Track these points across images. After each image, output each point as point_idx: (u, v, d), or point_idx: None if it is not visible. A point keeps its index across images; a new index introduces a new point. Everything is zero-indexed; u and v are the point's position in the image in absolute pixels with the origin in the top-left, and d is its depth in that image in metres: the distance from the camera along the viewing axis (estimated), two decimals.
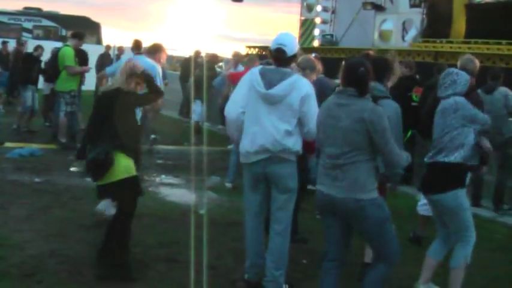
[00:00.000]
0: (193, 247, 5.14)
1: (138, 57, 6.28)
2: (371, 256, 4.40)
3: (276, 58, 4.52)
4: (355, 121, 3.75)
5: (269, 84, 4.44)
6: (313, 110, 4.39)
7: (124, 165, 4.74)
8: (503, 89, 7.60)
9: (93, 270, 4.79)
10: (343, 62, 4.12)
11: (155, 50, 6.59)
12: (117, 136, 4.69)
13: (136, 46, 11.41)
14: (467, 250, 4.55)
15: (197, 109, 11.95)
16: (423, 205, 6.11)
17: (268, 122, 4.45)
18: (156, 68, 6.29)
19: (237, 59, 12.08)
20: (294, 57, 4.56)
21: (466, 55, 6.22)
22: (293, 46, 4.51)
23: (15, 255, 5.06)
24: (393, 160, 3.84)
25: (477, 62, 5.96)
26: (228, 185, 8.08)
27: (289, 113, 4.41)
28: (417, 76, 8.67)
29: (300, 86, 4.44)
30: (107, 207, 6.06)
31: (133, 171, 4.82)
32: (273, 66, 4.59)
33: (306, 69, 5.84)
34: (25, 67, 12.26)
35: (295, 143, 4.47)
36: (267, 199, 4.66)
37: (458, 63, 5.99)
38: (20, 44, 15.86)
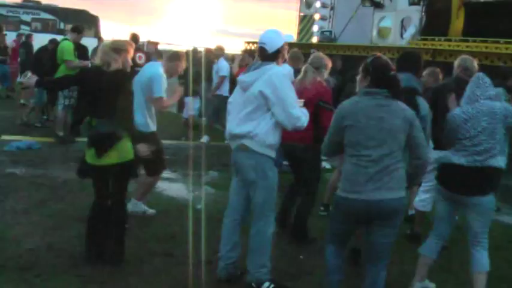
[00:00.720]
0: (190, 242, 5.16)
1: (153, 64, 6.31)
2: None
3: (259, 55, 4.65)
4: (403, 121, 3.84)
5: (247, 72, 4.62)
6: (282, 93, 4.38)
7: (129, 147, 4.73)
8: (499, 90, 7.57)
9: (91, 265, 4.81)
10: (368, 62, 4.07)
11: (175, 58, 6.52)
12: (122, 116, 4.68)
13: (133, 40, 11.39)
14: (487, 252, 4.61)
15: (191, 104, 11.99)
16: (421, 201, 6.13)
17: (238, 108, 4.58)
18: (161, 78, 6.04)
19: (220, 53, 12.13)
20: (277, 52, 4.57)
21: (466, 55, 6.23)
22: (274, 43, 4.55)
23: (13, 248, 5.08)
24: (426, 158, 3.97)
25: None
26: None
27: (254, 98, 4.45)
28: None
29: (268, 74, 4.46)
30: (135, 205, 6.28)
31: (131, 156, 4.78)
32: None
33: (320, 68, 5.91)
34: (38, 61, 11.92)
35: (255, 128, 4.44)
36: (247, 190, 4.67)
37: (463, 63, 5.99)
38: (27, 36, 15.93)
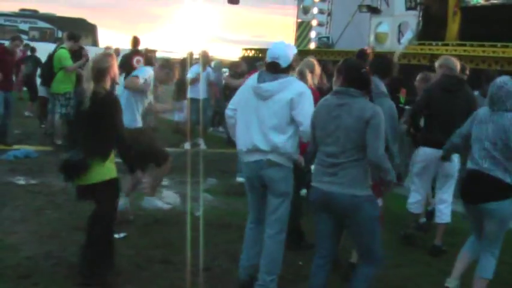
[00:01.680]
0: (188, 249, 5.14)
1: (144, 68, 6.66)
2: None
3: (271, 70, 4.53)
4: (356, 120, 3.88)
5: (263, 81, 4.50)
6: (306, 109, 4.39)
7: (99, 170, 4.65)
8: None
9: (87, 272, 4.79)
10: (341, 63, 4.22)
11: (166, 66, 6.75)
12: (94, 140, 4.64)
13: (135, 43, 11.39)
14: (496, 261, 4.59)
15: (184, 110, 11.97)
16: (414, 203, 6.12)
17: (258, 119, 4.48)
18: (144, 70, 6.48)
19: (205, 60, 12.09)
20: (289, 66, 4.57)
21: (446, 56, 6.33)
22: (287, 57, 4.52)
23: (10, 257, 5.06)
24: (377, 158, 3.86)
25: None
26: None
27: (279, 110, 4.40)
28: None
29: (293, 85, 4.47)
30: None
31: (110, 175, 4.74)
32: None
33: (313, 72, 5.97)
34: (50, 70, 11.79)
35: (285, 143, 4.43)
36: (264, 201, 4.64)
37: (446, 63, 6.06)
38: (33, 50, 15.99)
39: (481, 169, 4.48)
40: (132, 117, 6.18)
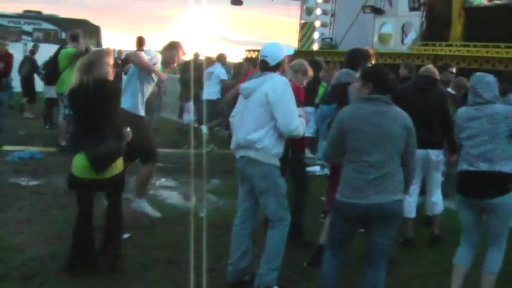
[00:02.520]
0: (193, 249, 5.15)
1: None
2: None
3: (261, 68, 4.79)
4: (401, 128, 3.94)
5: (247, 81, 4.79)
6: (283, 99, 4.51)
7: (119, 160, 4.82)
8: None
9: (93, 272, 4.81)
10: (369, 70, 4.27)
11: (171, 47, 6.50)
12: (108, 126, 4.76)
13: (140, 43, 11.38)
14: (502, 255, 4.61)
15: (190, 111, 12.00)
16: (406, 207, 6.10)
17: (243, 117, 4.68)
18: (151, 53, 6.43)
19: (223, 62, 12.06)
20: (277, 65, 4.73)
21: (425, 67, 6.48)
22: (275, 55, 4.72)
23: (16, 257, 5.08)
24: (414, 165, 4.10)
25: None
26: None
27: (258, 107, 4.56)
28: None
29: (270, 80, 4.59)
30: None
31: (121, 167, 4.90)
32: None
33: (297, 72, 6.02)
34: (54, 69, 11.05)
35: (262, 138, 4.52)
36: (255, 197, 4.76)
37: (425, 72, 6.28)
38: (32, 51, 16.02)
39: (479, 167, 4.48)
40: (134, 102, 6.11)
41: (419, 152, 5.77)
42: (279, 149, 4.62)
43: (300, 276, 5.12)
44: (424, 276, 5.38)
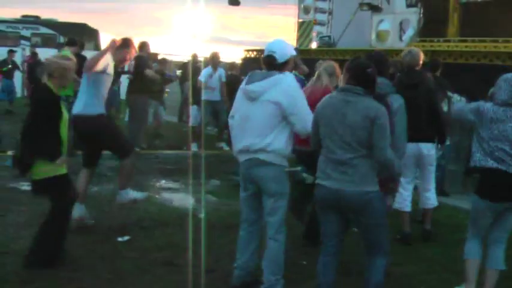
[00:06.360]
0: (192, 250, 5.15)
1: None
2: None
3: (266, 64, 4.56)
4: (362, 118, 3.92)
5: (251, 82, 4.53)
6: (298, 107, 4.42)
7: (42, 167, 5.03)
8: None
9: (92, 275, 4.80)
10: (349, 62, 4.23)
11: (123, 45, 6.24)
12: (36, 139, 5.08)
13: (140, 48, 11.35)
14: (505, 246, 4.65)
15: (193, 113, 11.94)
16: (399, 203, 6.10)
17: (248, 120, 4.51)
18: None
19: (215, 62, 12.00)
20: (285, 63, 4.54)
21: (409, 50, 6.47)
22: (284, 53, 4.52)
23: (15, 262, 5.07)
24: (384, 158, 3.96)
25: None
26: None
27: (267, 110, 4.41)
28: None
29: (281, 84, 4.42)
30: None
31: (54, 172, 5.04)
32: (264, 71, 4.61)
33: (332, 75, 5.93)
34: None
35: (273, 141, 4.43)
36: (258, 202, 4.66)
37: (409, 60, 6.22)
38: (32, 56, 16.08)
39: (504, 168, 4.42)
40: (90, 102, 5.89)
41: (411, 147, 5.80)
42: (288, 149, 4.56)
43: (300, 276, 5.11)
44: (423, 274, 5.36)
